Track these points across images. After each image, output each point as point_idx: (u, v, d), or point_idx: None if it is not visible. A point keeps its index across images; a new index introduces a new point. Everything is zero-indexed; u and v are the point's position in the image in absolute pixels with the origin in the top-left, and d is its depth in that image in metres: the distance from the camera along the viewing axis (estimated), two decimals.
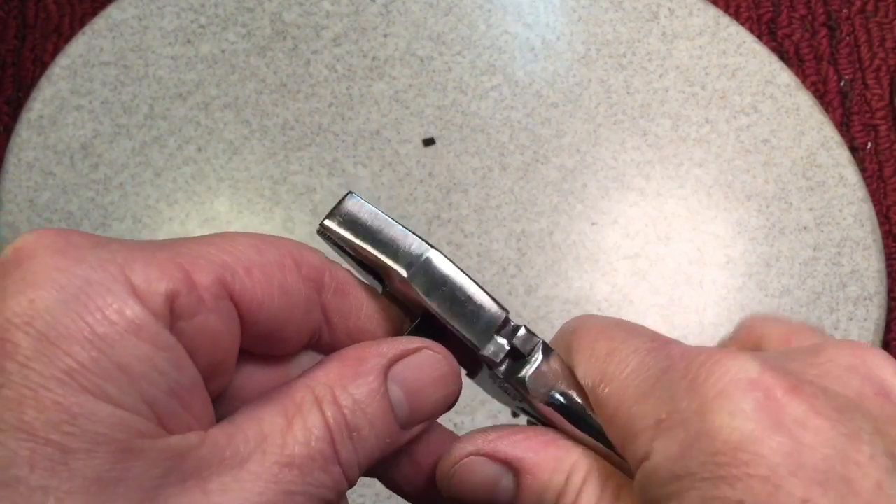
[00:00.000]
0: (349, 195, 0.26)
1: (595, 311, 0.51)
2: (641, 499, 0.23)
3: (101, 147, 0.55)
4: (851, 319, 0.50)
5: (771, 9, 0.59)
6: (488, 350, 0.27)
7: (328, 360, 0.25)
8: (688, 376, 0.24)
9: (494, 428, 0.27)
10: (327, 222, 0.26)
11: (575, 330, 0.27)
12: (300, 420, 0.24)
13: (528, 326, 0.27)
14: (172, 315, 0.22)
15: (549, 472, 0.25)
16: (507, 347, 0.27)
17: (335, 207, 0.26)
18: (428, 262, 0.26)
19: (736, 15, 0.59)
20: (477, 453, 0.26)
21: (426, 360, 0.26)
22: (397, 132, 0.54)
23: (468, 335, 0.26)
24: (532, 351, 0.27)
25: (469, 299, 0.26)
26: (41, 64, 0.59)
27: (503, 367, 0.27)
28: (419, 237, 0.26)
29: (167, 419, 0.22)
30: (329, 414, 0.24)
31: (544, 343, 0.27)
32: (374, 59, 0.56)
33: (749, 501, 0.20)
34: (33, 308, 0.21)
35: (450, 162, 0.54)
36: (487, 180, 0.53)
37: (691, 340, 0.50)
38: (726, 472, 0.21)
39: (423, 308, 0.26)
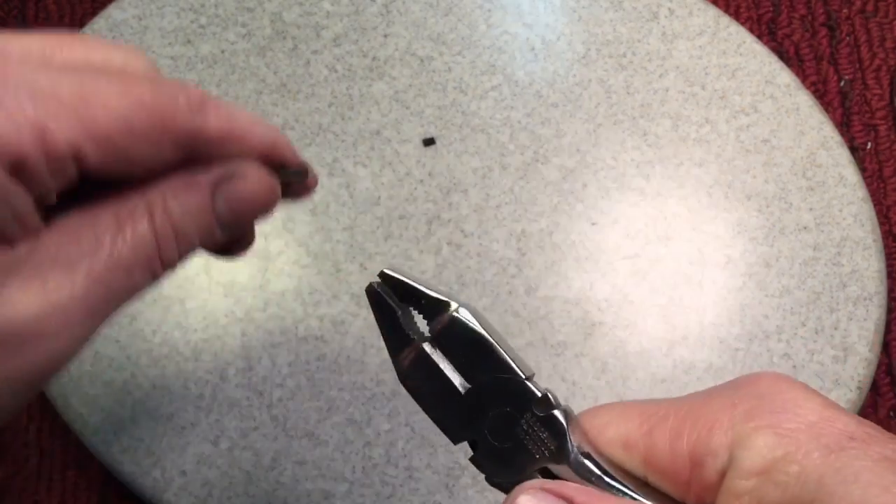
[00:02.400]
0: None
1: (595, 312, 0.51)
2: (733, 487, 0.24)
3: None
4: (851, 319, 0.50)
5: (771, 9, 0.59)
6: (536, 386, 0.27)
7: (166, 175, 0.29)
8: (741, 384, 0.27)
9: (542, 480, 0.26)
10: (386, 270, 0.29)
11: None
12: (130, 226, 0.27)
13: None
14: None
15: None
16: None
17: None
18: (469, 306, 0.28)
19: (736, 15, 0.59)
20: (540, 488, 0.25)
21: (253, 178, 0.30)
22: (397, 132, 0.54)
23: (517, 365, 0.27)
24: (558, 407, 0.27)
25: (508, 347, 0.28)
26: None
27: (542, 410, 0.27)
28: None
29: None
30: (158, 221, 0.28)
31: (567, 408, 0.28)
32: (374, 59, 0.56)
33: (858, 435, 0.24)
34: None
35: (450, 162, 0.54)
36: (487, 180, 0.53)
37: (691, 340, 0.50)
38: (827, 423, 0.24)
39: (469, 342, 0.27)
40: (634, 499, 0.26)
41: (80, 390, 0.50)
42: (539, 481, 0.26)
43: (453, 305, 0.27)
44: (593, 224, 0.53)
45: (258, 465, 0.48)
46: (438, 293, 0.28)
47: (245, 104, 0.55)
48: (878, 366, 0.52)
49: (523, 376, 0.27)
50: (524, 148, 0.54)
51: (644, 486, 0.26)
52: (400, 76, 0.56)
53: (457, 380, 0.28)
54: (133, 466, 0.49)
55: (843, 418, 0.24)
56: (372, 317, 0.30)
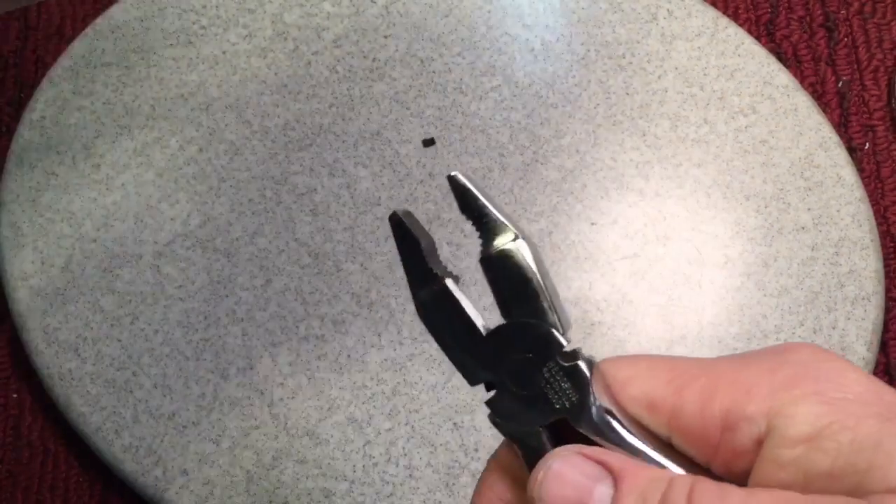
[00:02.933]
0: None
1: (594, 311, 0.51)
2: (777, 455, 0.23)
3: (102, 147, 0.55)
4: (849, 319, 0.50)
5: (769, 10, 0.60)
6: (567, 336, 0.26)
7: None
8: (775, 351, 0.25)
9: (579, 446, 0.25)
10: (456, 175, 0.27)
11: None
12: None
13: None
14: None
15: (648, 479, 0.24)
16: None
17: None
18: (529, 240, 0.26)
19: (734, 16, 0.59)
20: (580, 453, 0.25)
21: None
22: (397, 133, 0.55)
23: (556, 314, 0.26)
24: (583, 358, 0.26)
25: (555, 294, 0.26)
26: (43, 65, 0.59)
27: (566, 360, 0.25)
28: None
29: None
30: None
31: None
32: (374, 60, 0.56)
33: None
34: None
35: (450, 162, 0.54)
36: (487, 180, 0.54)
37: (690, 340, 0.50)
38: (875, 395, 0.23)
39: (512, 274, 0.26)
40: (661, 464, 0.24)
41: (82, 389, 0.50)
42: (576, 446, 0.25)
43: (511, 234, 0.26)
44: (592, 224, 0.53)
45: (259, 463, 0.49)
46: (503, 216, 0.26)
47: (246, 105, 0.56)
48: (876, 365, 0.52)
49: (555, 325, 0.26)
50: (524, 148, 0.54)
51: (667, 447, 0.25)
52: (400, 77, 0.56)
53: (479, 320, 0.27)
54: (134, 465, 0.49)
55: (890, 391, 0.23)
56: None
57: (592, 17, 0.57)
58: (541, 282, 0.26)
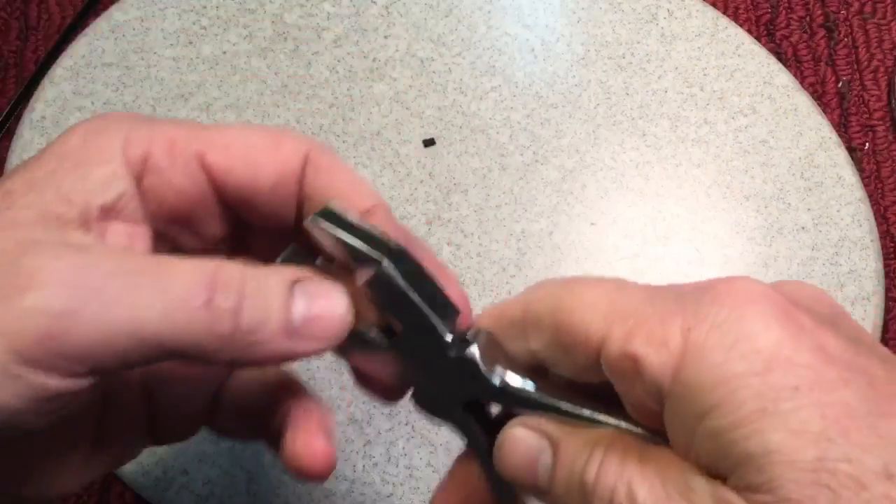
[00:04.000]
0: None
1: None
2: (676, 420, 0.24)
3: None
4: None
5: (769, 10, 0.60)
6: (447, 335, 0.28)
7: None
8: (710, 291, 0.25)
9: (522, 419, 0.28)
10: (330, 206, 0.28)
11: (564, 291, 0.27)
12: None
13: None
14: (145, 169, 0.29)
15: (580, 445, 0.26)
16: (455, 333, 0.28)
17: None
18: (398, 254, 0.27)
19: (734, 16, 0.59)
20: (524, 425, 0.28)
21: (335, 295, 0.28)
22: (398, 133, 0.55)
23: (441, 307, 0.28)
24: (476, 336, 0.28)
25: (436, 292, 0.28)
26: (43, 65, 0.59)
27: (455, 353, 0.28)
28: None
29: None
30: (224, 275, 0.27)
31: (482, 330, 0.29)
32: (374, 60, 0.56)
33: (804, 386, 0.23)
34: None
35: (450, 162, 0.54)
36: (487, 181, 0.54)
37: None
38: (775, 366, 0.23)
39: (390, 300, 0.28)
40: (591, 419, 0.27)
41: None
42: (519, 419, 0.28)
43: (374, 262, 0.27)
44: (592, 224, 0.53)
45: (259, 463, 0.49)
46: (364, 242, 0.27)
47: (246, 105, 0.56)
48: None
49: (435, 328, 0.28)
50: (524, 148, 0.54)
51: (575, 391, 0.27)
52: (400, 77, 0.56)
53: (379, 337, 0.28)
54: (134, 465, 0.49)
55: (796, 358, 0.23)
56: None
57: (592, 17, 0.57)
58: (410, 296, 0.27)
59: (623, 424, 0.26)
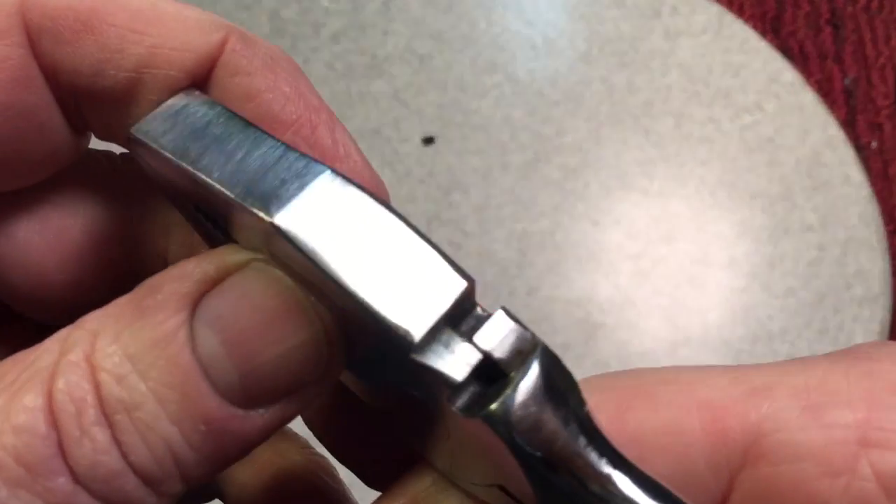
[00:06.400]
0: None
1: (597, 313, 0.51)
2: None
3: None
4: (856, 321, 0.50)
5: (775, 6, 0.59)
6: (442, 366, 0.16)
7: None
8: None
9: None
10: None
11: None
12: (19, 397, 0.15)
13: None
14: None
15: None
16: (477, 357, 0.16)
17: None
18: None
19: (739, 12, 0.59)
20: None
21: (258, 285, 0.16)
22: (397, 131, 0.54)
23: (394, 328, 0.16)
24: (528, 358, 0.16)
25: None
26: None
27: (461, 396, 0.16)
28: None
29: None
30: (61, 385, 0.15)
31: (544, 347, 0.16)
32: (373, 56, 0.56)
33: None
34: None
35: (450, 161, 0.54)
36: (488, 179, 0.53)
37: (694, 342, 0.50)
38: None
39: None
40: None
41: None
42: None
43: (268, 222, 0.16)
44: (595, 224, 0.53)
45: None
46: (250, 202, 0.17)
47: None
48: None
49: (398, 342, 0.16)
50: (525, 147, 0.54)
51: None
52: (399, 74, 0.56)
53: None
54: None
55: None
56: None
57: (595, 13, 0.57)
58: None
59: None
